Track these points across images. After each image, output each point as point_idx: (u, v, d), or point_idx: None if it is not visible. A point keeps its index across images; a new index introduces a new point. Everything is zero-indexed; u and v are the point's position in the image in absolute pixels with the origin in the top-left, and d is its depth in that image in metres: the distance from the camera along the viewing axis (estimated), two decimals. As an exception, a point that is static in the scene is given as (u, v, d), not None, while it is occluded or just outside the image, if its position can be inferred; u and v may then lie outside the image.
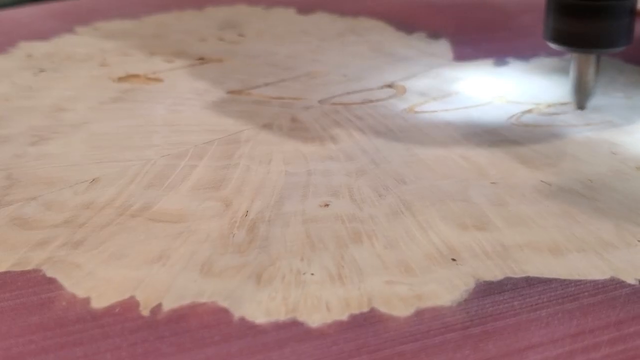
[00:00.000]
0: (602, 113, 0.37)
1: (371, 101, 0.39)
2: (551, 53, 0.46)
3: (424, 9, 0.57)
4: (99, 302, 0.22)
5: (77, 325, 0.21)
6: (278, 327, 0.21)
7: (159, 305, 0.22)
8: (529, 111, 0.37)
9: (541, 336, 0.21)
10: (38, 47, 0.48)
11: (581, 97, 0.37)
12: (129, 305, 0.22)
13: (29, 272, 0.24)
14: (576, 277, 0.23)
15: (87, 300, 0.22)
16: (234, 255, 0.24)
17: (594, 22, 0.34)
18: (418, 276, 0.23)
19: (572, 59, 0.36)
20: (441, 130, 0.35)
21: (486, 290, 0.23)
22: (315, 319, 0.21)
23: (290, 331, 0.21)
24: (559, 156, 0.32)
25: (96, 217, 0.27)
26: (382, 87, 0.41)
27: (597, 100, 0.38)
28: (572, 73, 0.36)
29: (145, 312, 0.22)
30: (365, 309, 0.22)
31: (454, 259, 0.24)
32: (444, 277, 0.23)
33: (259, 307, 0.22)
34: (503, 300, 0.22)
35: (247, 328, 0.21)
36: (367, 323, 0.21)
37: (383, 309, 0.22)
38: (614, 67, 0.44)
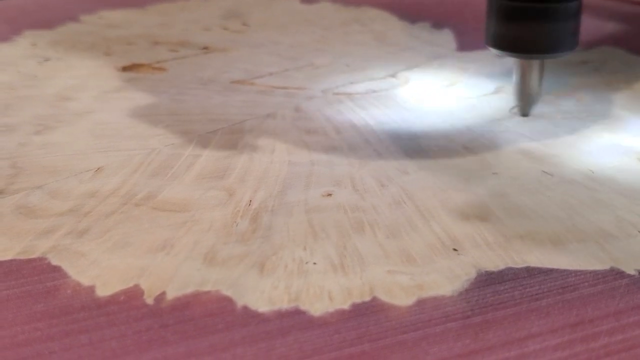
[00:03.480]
0: (604, 104, 0.37)
1: (374, 91, 0.39)
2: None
3: (427, -1, 0.57)
4: (103, 290, 0.22)
5: (81, 313, 0.21)
6: (281, 315, 0.21)
7: (163, 294, 0.22)
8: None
9: (541, 326, 0.21)
10: (43, 36, 0.48)
11: (524, 103, 0.35)
12: (134, 294, 0.22)
13: (34, 260, 0.24)
14: (576, 267, 0.23)
15: (91, 289, 0.22)
16: (237, 244, 0.25)
17: (536, 27, 0.32)
18: (420, 266, 0.23)
19: (514, 64, 0.35)
20: (444, 120, 0.35)
21: (487, 280, 0.23)
22: (317, 308, 0.21)
23: (293, 320, 0.21)
24: (561, 147, 0.32)
25: (101, 206, 0.27)
26: (385, 77, 0.41)
27: (599, 91, 0.38)
28: (515, 79, 0.35)
29: (149, 301, 0.22)
30: (367, 298, 0.22)
31: (455, 249, 0.24)
32: (445, 266, 0.23)
33: (262, 296, 0.22)
34: (504, 290, 0.22)
35: (250, 316, 0.21)
36: (368, 312, 0.21)
37: (385, 298, 0.22)
38: (618, 58, 0.44)
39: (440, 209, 0.27)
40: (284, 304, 0.22)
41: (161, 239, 0.25)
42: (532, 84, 0.35)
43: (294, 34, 0.49)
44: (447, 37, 0.49)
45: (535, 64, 0.34)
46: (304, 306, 0.22)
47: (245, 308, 0.22)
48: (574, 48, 0.33)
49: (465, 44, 0.47)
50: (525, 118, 0.35)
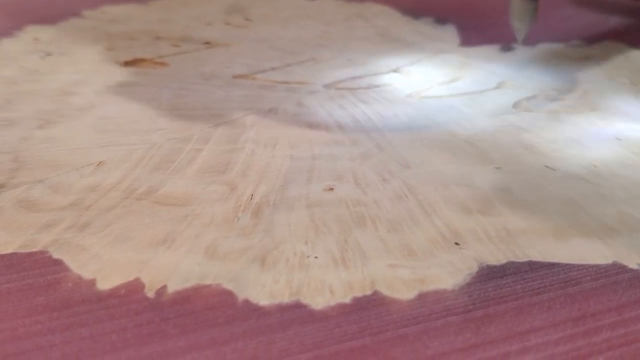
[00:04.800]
0: (607, 99, 0.36)
1: (377, 86, 0.39)
2: (557, 39, 0.46)
3: (430, -6, 0.57)
4: (104, 284, 0.22)
5: (82, 307, 0.21)
6: (282, 309, 0.21)
7: (164, 287, 0.22)
8: (534, 97, 0.37)
9: (543, 320, 0.21)
10: (45, 31, 0.48)
11: (521, 25, 0.39)
12: (134, 287, 0.22)
13: (35, 253, 0.24)
14: (578, 261, 0.23)
15: (92, 282, 0.22)
16: (239, 238, 0.25)
17: None
18: (421, 260, 0.23)
19: None
20: (446, 115, 0.35)
21: (489, 274, 0.23)
22: (318, 302, 0.21)
23: (294, 313, 0.21)
24: (564, 142, 0.32)
25: (102, 200, 0.27)
26: (388, 72, 0.41)
27: (603, 86, 0.38)
28: (513, 2, 0.38)
29: (150, 294, 0.22)
30: (368, 292, 0.22)
31: (457, 243, 0.24)
32: (447, 260, 0.23)
33: (263, 290, 0.22)
34: (505, 284, 0.22)
35: (251, 310, 0.21)
36: (370, 306, 0.21)
37: (386, 292, 0.22)
38: (621, 53, 0.44)
39: (442, 203, 0.27)
40: (285, 298, 0.22)
41: (162, 233, 0.25)
42: (529, 6, 0.38)
43: (296, 29, 0.49)
44: (450, 33, 0.48)
45: None
46: (305, 300, 0.22)
47: (246, 302, 0.21)
48: None
49: (468, 39, 0.46)
50: (528, 112, 0.35)
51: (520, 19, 0.39)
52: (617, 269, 0.23)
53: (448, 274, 0.23)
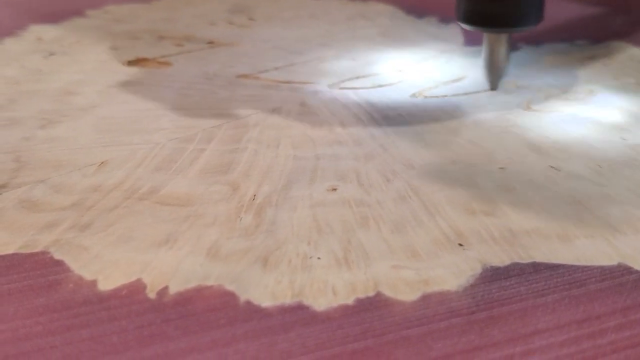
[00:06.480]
0: (612, 98, 0.36)
1: (381, 85, 0.39)
2: (562, 39, 0.45)
3: (434, -6, 0.57)
4: (105, 285, 0.22)
5: (83, 308, 0.21)
6: (284, 310, 0.21)
7: (166, 288, 0.22)
8: (539, 96, 0.37)
9: (547, 322, 0.21)
10: (48, 31, 0.48)
11: (494, 77, 0.37)
12: (136, 288, 0.22)
13: (36, 254, 0.24)
14: (583, 263, 0.23)
15: (94, 283, 0.22)
16: (241, 238, 0.24)
17: (504, 2, 0.34)
18: (425, 261, 0.23)
19: (483, 39, 0.37)
20: (450, 114, 0.35)
21: (493, 275, 0.23)
22: (321, 303, 0.21)
23: (296, 315, 0.21)
24: (568, 142, 0.32)
25: (104, 200, 0.27)
26: (392, 72, 0.41)
27: (608, 85, 0.37)
28: (484, 53, 0.37)
29: (151, 295, 0.22)
30: (371, 293, 0.22)
31: (460, 244, 0.24)
32: (450, 262, 0.23)
33: (265, 291, 0.22)
34: (509, 285, 0.22)
35: (253, 311, 0.21)
36: (372, 307, 0.21)
37: (389, 293, 0.22)
38: (626, 53, 0.43)
39: (446, 204, 0.27)
40: (287, 299, 0.21)
41: (164, 234, 0.25)
42: (500, 57, 0.37)
43: (300, 28, 0.49)
44: (454, 32, 0.48)
45: (503, 38, 0.36)
46: (307, 301, 0.21)
47: (248, 303, 0.21)
48: (539, 22, 0.35)
49: (472, 39, 0.46)
50: (532, 112, 0.35)
51: (492, 71, 0.37)
52: (622, 271, 0.23)
53: (452, 275, 0.23)
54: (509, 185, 0.28)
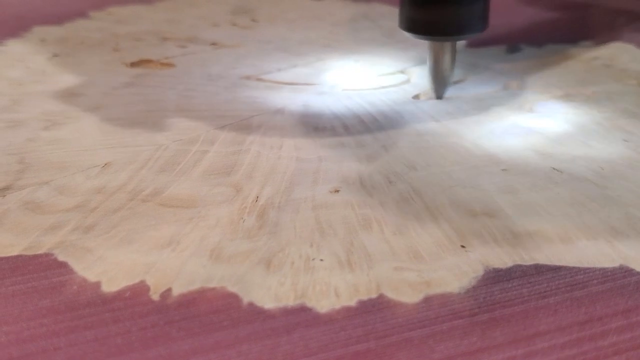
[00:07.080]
0: (614, 101, 0.36)
1: (383, 87, 0.39)
2: (564, 40, 0.45)
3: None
4: (109, 287, 0.22)
5: (87, 309, 0.21)
6: (287, 312, 0.21)
7: (169, 290, 0.22)
8: (541, 98, 0.37)
9: (549, 324, 0.21)
10: (52, 32, 0.48)
11: (438, 86, 0.37)
12: (139, 290, 0.22)
13: (40, 256, 0.24)
14: (585, 265, 0.23)
15: (97, 285, 0.22)
16: (244, 240, 0.25)
17: (446, 10, 0.33)
18: (427, 263, 0.23)
19: (427, 47, 0.36)
20: (453, 116, 0.35)
21: (495, 277, 0.23)
22: (323, 305, 0.21)
23: (299, 317, 0.21)
24: (571, 143, 0.32)
25: (107, 202, 0.27)
26: (394, 73, 0.41)
27: (609, 87, 0.37)
28: (429, 62, 0.36)
29: (155, 297, 0.22)
30: (374, 295, 0.22)
31: (463, 246, 0.24)
32: (452, 264, 0.23)
33: (268, 293, 0.22)
34: (511, 287, 0.22)
35: (256, 313, 0.21)
36: (375, 309, 0.21)
37: (391, 295, 0.22)
38: (628, 54, 0.43)
39: (448, 206, 0.27)
40: (290, 301, 0.22)
41: (167, 235, 0.25)
42: (445, 66, 0.36)
43: (303, 30, 0.49)
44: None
45: (447, 46, 0.36)
46: (310, 303, 0.21)
47: (251, 305, 0.21)
48: (484, 30, 0.35)
49: (474, 40, 0.46)
50: (535, 114, 0.35)
51: (437, 80, 0.37)
52: (624, 273, 0.23)
53: (454, 277, 0.23)
54: (511, 186, 0.28)
